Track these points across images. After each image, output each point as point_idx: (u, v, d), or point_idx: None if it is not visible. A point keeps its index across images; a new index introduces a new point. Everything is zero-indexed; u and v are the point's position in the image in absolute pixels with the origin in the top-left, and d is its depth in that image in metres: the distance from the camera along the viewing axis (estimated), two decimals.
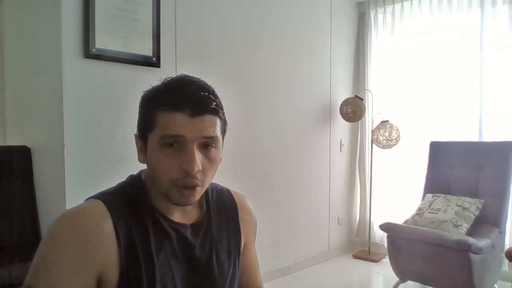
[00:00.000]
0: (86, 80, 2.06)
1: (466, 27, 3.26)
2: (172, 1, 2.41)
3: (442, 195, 2.78)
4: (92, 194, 0.79)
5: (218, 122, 0.79)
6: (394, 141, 3.46)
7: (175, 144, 0.75)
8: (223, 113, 0.81)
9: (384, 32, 3.71)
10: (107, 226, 0.73)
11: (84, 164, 2.05)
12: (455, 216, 2.57)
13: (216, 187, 0.96)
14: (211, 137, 0.77)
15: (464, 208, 2.60)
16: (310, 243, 3.46)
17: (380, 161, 3.73)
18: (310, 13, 3.39)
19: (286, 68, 3.18)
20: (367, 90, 3.76)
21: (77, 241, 0.70)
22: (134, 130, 0.84)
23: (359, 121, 3.73)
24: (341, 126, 3.72)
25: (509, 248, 2.19)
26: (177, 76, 0.80)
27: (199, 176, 0.76)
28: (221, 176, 1.01)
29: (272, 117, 3.09)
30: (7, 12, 2.48)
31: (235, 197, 0.97)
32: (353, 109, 3.52)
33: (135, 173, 0.87)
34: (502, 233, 2.60)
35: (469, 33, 3.24)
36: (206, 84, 0.80)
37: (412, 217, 2.75)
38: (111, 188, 0.82)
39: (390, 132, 3.47)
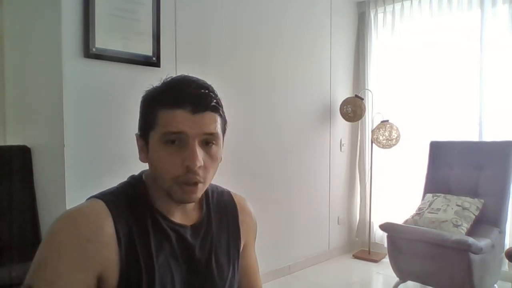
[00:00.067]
0: (86, 80, 2.06)
1: (466, 27, 3.26)
2: (172, 1, 2.41)
3: (442, 195, 2.78)
4: (92, 194, 0.79)
5: (219, 119, 0.79)
6: (394, 141, 3.46)
7: (177, 141, 0.75)
8: (223, 111, 0.81)
9: (384, 32, 3.71)
10: (108, 226, 0.73)
11: (84, 164, 2.05)
12: (455, 216, 2.57)
13: (217, 189, 0.96)
14: (212, 134, 0.77)
15: (464, 208, 2.60)
16: (310, 243, 3.46)
17: (380, 161, 3.72)
18: (310, 13, 3.39)
19: (286, 68, 3.18)
20: (367, 89, 3.76)
21: (78, 241, 0.70)
22: (135, 130, 0.84)
23: (359, 121, 3.73)
24: (341, 126, 3.72)
25: (509, 248, 2.19)
26: (177, 76, 0.81)
27: (200, 172, 0.76)
28: (221, 176, 1.01)
29: (272, 117, 3.09)
30: (7, 12, 2.48)
31: (235, 199, 0.97)
32: (353, 109, 3.52)
33: (135, 173, 0.87)
34: (502, 233, 2.60)
35: (469, 33, 3.24)
36: (206, 83, 0.80)
37: (412, 217, 2.75)
38: (112, 188, 0.82)
39: (390, 132, 3.46)
